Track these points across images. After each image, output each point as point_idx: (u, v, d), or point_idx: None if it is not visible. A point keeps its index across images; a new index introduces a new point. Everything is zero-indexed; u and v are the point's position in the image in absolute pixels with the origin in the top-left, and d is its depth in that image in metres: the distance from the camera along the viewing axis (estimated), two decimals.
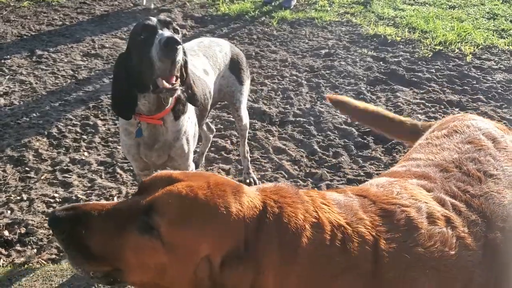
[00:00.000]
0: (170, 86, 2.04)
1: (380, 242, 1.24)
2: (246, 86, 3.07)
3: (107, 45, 5.56)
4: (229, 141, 3.75)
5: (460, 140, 1.68)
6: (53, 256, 2.58)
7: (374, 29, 6.27)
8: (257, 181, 3.29)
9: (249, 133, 3.81)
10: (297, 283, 1.16)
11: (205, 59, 2.74)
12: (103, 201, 1.22)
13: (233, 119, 3.27)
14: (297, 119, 4.09)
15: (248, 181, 3.26)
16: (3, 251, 2.61)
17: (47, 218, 2.84)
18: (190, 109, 2.43)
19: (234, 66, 2.93)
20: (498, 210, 1.43)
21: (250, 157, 3.48)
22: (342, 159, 3.52)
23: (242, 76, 2.98)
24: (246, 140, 3.32)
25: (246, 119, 3.15)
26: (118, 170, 3.31)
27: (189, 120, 2.40)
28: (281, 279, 1.15)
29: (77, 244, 1.14)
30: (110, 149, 3.57)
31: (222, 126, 3.94)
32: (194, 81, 2.45)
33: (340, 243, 1.20)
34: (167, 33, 2.02)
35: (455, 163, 1.56)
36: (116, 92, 2.20)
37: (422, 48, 5.67)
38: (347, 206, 1.32)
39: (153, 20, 2.09)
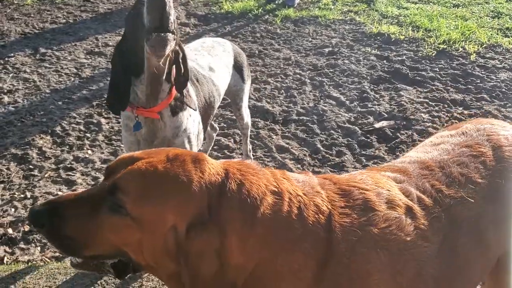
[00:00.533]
0: (162, 34, 1.95)
1: (334, 215, 1.29)
2: (248, 85, 3.09)
3: (111, 43, 5.56)
4: (232, 140, 3.76)
5: (459, 142, 1.66)
6: (57, 254, 2.59)
7: (377, 27, 6.26)
8: None
9: (252, 131, 3.82)
10: (259, 246, 1.21)
11: (210, 57, 2.74)
12: (77, 191, 1.27)
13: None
14: (300, 117, 4.09)
15: None
16: (7, 248, 2.62)
17: None
18: (189, 110, 2.39)
19: (237, 65, 2.95)
20: (466, 214, 1.43)
21: (253, 155, 3.49)
22: (345, 158, 3.52)
23: (244, 75, 3.00)
24: (249, 139, 3.32)
25: (247, 117, 3.16)
26: None
27: (190, 117, 2.36)
28: (243, 242, 1.19)
29: (59, 235, 1.19)
30: (113, 147, 3.57)
31: (225, 125, 3.94)
32: (198, 80, 2.45)
33: (298, 211, 1.25)
34: None
35: (440, 164, 1.55)
36: (112, 81, 2.19)
37: (426, 47, 5.65)
38: (305, 182, 1.38)
39: None
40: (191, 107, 2.32)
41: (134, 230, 1.17)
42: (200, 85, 2.54)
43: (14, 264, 2.50)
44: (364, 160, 3.48)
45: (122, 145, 3.49)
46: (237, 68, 2.94)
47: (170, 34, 1.95)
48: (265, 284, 1.24)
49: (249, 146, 3.35)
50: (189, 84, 2.34)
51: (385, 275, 1.28)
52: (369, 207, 1.33)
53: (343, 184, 1.40)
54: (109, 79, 4.54)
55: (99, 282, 2.36)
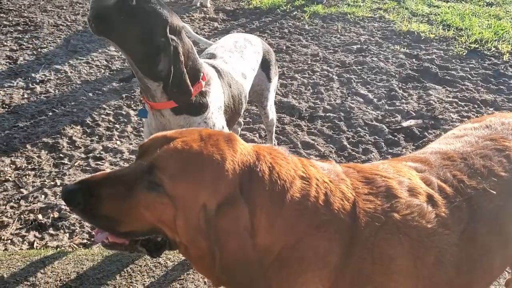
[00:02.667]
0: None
1: (358, 201, 1.32)
2: (274, 83, 3.04)
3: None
4: (257, 135, 3.77)
5: (484, 135, 1.65)
6: (85, 241, 2.65)
7: (407, 25, 6.17)
8: None
9: (277, 127, 3.82)
10: (286, 228, 1.24)
11: (244, 62, 2.69)
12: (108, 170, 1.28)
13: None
14: (327, 114, 4.07)
15: None
16: (37, 234, 2.69)
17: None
18: (214, 110, 2.27)
19: (265, 64, 2.89)
20: (486, 206, 1.43)
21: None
22: (372, 156, 3.49)
23: (271, 73, 2.95)
24: (274, 135, 3.32)
25: (272, 114, 3.13)
26: None
27: (206, 121, 2.22)
28: (271, 223, 1.22)
29: (94, 213, 1.22)
30: (141, 139, 3.62)
31: (250, 120, 3.95)
32: (231, 85, 2.40)
33: (324, 197, 1.28)
34: None
35: (463, 155, 1.54)
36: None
37: (457, 46, 5.55)
38: (331, 170, 1.40)
39: None
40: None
41: (169, 207, 1.19)
42: (231, 90, 2.46)
43: (43, 249, 2.56)
44: (391, 158, 3.45)
45: None
46: (264, 67, 2.88)
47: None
48: (291, 266, 1.26)
49: (274, 142, 3.35)
50: (218, 86, 2.29)
51: (407, 260, 1.29)
52: (392, 194, 1.35)
53: (367, 172, 1.42)
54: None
55: (125, 269, 2.40)
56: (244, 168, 1.24)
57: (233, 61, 2.60)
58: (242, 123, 3.63)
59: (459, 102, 4.29)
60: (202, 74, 2.18)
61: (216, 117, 2.27)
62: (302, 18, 6.46)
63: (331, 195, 1.30)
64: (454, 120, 3.97)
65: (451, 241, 1.35)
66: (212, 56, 2.59)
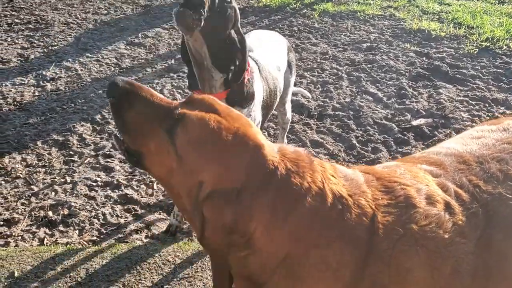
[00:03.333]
0: (182, 9, 1.92)
1: (377, 215, 1.29)
2: (293, 79, 3.05)
3: (150, 35, 5.65)
4: (266, 133, 3.77)
5: (501, 138, 1.61)
6: (94, 238, 2.67)
7: (417, 23, 6.13)
8: None
9: None
10: (287, 240, 1.23)
11: (278, 55, 2.71)
12: (158, 93, 1.34)
13: (275, 112, 3.18)
14: (336, 113, 4.05)
15: None
16: (47, 230, 2.72)
17: (89, 202, 2.94)
18: (256, 102, 2.30)
19: (289, 61, 2.91)
20: (503, 211, 1.40)
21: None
22: (381, 155, 3.48)
23: (293, 68, 2.97)
24: (286, 133, 3.32)
25: (289, 112, 3.15)
26: None
27: (249, 117, 2.27)
28: (270, 233, 1.22)
29: (120, 114, 1.32)
30: None
31: (286, 140, 3.95)
32: (267, 79, 2.42)
33: (339, 212, 1.26)
34: None
35: (479, 159, 1.51)
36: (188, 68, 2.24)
37: (468, 44, 5.51)
38: (353, 180, 1.37)
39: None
40: (244, 103, 2.24)
41: (171, 158, 1.24)
42: (269, 84, 2.49)
43: (53, 246, 2.59)
44: (400, 158, 3.43)
45: None
46: (289, 63, 2.90)
47: (191, 12, 1.89)
48: (300, 278, 1.26)
49: (285, 140, 3.35)
50: (258, 80, 2.32)
51: (423, 272, 1.28)
52: (411, 204, 1.33)
53: (385, 180, 1.39)
54: (147, 70, 4.63)
55: (134, 266, 2.42)
56: (256, 175, 1.23)
57: (268, 55, 2.62)
58: None
59: (470, 101, 4.26)
60: (248, 67, 2.24)
61: (255, 111, 2.33)
62: (311, 16, 6.45)
63: (347, 211, 1.27)
64: (464, 119, 3.94)
65: (467, 250, 1.32)
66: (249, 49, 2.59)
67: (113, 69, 4.76)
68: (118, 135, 1.39)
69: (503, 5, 7.24)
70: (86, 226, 2.75)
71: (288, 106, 3.08)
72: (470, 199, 1.40)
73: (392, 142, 3.64)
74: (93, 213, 2.85)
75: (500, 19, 6.36)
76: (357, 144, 3.62)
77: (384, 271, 1.26)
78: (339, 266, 1.24)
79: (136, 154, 1.34)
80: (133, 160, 1.36)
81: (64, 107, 4.02)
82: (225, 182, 1.21)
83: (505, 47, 5.44)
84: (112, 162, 3.31)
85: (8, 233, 2.67)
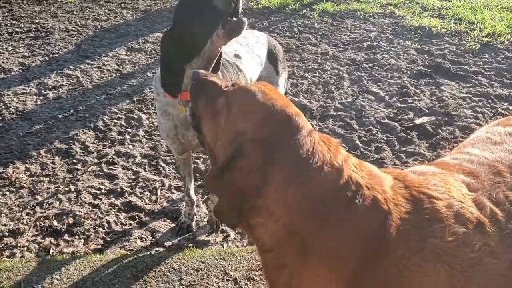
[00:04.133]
0: (242, 18, 2.07)
1: (393, 216, 1.28)
2: (283, 78, 3.08)
3: (150, 40, 5.65)
4: None
5: None
6: (99, 247, 2.66)
7: (418, 20, 6.11)
8: None
9: None
10: (300, 210, 1.28)
11: (237, 45, 2.76)
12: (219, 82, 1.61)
13: None
14: (338, 113, 4.04)
15: None
16: (52, 240, 2.72)
17: (93, 210, 2.94)
18: None
19: (271, 57, 2.96)
20: None
21: None
22: (385, 155, 3.46)
23: (278, 67, 3.00)
24: None
25: None
26: (161, 163, 3.38)
27: None
28: (286, 196, 1.29)
29: (197, 92, 1.60)
30: (153, 142, 3.64)
31: None
32: (224, 65, 2.51)
33: (351, 197, 1.29)
34: None
35: (511, 168, 1.49)
36: (164, 68, 2.20)
37: (469, 40, 5.48)
38: (377, 177, 1.38)
39: None
40: None
41: (223, 113, 1.46)
42: (226, 71, 2.57)
43: (59, 256, 2.59)
44: (404, 157, 3.42)
45: (163, 140, 3.56)
46: (271, 60, 2.95)
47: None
48: (305, 251, 1.29)
49: None
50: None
51: None
52: (437, 218, 1.30)
53: (414, 189, 1.37)
54: (148, 75, 4.63)
55: (139, 275, 2.41)
56: (290, 133, 1.34)
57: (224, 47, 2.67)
58: None
59: (473, 98, 4.24)
60: None
61: None
62: (311, 16, 6.44)
63: (360, 198, 1.29)
64: (468, 116, 3.92)
65: (497, 271, 1.29)
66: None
67: (114, 75, 4.77)
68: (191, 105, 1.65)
69: None
70: (91, 234, 2.75)
71: None
72: (506, 219, 1.36)
73: (396, 141, 3.62)
74: (97, 222, 2.85)
75: (500, 13, 6.33)
76: (360, 144, 3.61)
77: (396, 277, 1.25)
78: (346, 254, 1.26)
79: (198, 118, 1.58)
80: (195, 123, 1.61)
81: (66, 115, 4.03)
82: (265, 131, 1.34)
83: (506, 42, 5.41)
84: (116, 169, 3.31)
85: (13, 243, 2.67)
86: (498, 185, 1.44)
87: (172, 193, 3.10)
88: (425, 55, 5.13)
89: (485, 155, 1.58)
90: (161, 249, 2.63)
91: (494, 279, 1.28)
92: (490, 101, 4.18)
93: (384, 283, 1.26)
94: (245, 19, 2.06)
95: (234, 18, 2.05)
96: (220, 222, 2.74)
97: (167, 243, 2.68)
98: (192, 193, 2.73)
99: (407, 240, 1.26)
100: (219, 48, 2.17)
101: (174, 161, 3.38)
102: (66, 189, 3.13)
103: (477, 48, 5.27)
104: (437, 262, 1.25)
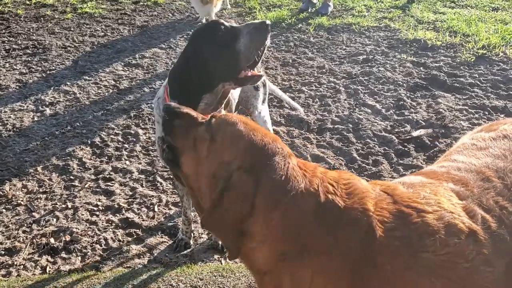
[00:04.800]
0: (258, 72, 2.09)
1: (377, 233, 1.28)
2: (262, 92, 3.05)
3: (147, 55, 5.67)
4: None
5: (508, 147, 1.60)
6: (97, 264, 2.64)
7: (413, 33, 6.16)
8: None
9: (286, 140, 3.81)
10: (284, 228, 1.31)
11: None
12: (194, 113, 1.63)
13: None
14: (336, 126, 4.05)
15: None
16: (49, 258, 2.70)
17: (90, 227, 2.92)
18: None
19: None
20: None
21: None
22: (382, 168, 3.46)
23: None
24: None
25: (264, 124, 3.11)
26: (159, 179, 3.37)
27: None
28: (270, 217, 1.32)
29: (170, 124, 1.59)
30: (150, 158, 3.63)
31: None
32: None
33: (329, 219, 1.32)
34: (255, 21, 2.10)
35: (498, 173, 1.50)
36: (181, 96, 2.14)
37: (464, 52, 5.52)
38: (358, 194, 1.38)
39: (221, 20, 2.13)
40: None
41: (206, 144, 1.45)
42: None
43: (56, 274, 2.56)
44: (402, 170, 3.42)
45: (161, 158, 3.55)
46: None
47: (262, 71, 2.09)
48: (293, 272, 1.32)
49: None
50: None
51: None
52: (427, 232, 1.29)
53: (403, 204, 1.36)
54: (145, 90, 4.63)
55: None
56: (272, 157, 1.38)
57: None
58: None
59: (469, 110, 4.25)
60: None
61: None
62: (307, 30, 6.48)
63: (338, 221, 1.31)
64: (465, 128, 3.93)
65: (494, 277, 1.29)
66: None
67: (111, 91, 4.77)
68: (162, 137, 1.67)
69: (497, 12, 7.28)
70: (88, 252, 2.73)
71: (259, 118, 3.05)
72: (498, 224, 1.36)
73: (393, 154, 3.62)
74: (95, 239, 2.83)
75: (495, 26, 6.39)
76: (358, 157, 3.61)
77: None
78: (335, 276, 1.27)
79: (175, 151, 1.56)
80: (171, 156, 1.57)
81: (63, 131, 4.02)
82: (250, 159, 1.37)
83: (501, 53, 5.45)
84: (113, 186, 3.29)
85: (10, 262, 2.65)
86: (487, 191, 1.44)
87: (170, 209, 3.08)
88: (421, 68, 5.16)
89: (472, 161, 1.58)
90: (158, 265, 2.61)
91: (491, 286, 1.29)
92: (486, 113, 4.19)
93: None
94: (262, 73, 2.08)
95: (259, 73, 2.09)
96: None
97: (165, 260, 2.66)
98: (189, 212, 2.71)
99: (396, 257, 1.25)
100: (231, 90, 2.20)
101: (171, 176, 3.37)
102: (63, 206, 3.11)
103: (472, 60, 5.31)
104: (432, 277, 1.24)
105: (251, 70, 2.07)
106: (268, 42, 2.06)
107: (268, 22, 2.04)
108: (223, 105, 2.26)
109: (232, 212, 1.33)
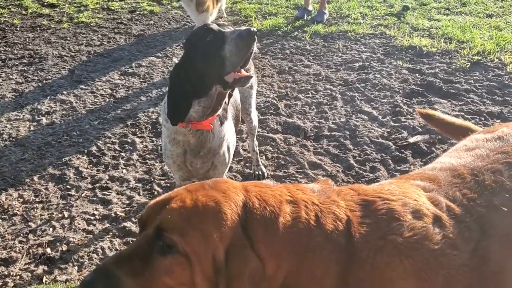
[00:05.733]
0: (246, 73, 2.11)
1: (353, 222, 1.31)
2: (255, 90, 3.24)
3: (144, 64, 5.68)
4: (264, 157, 3.75)
5: (495, 148, 1.62)
6: None
7: (408, 40, 6.19)
8: (265, 173, 3.52)
9: (283, 148, 3.81)
10: (285, 252, 1.25)
11: None
12: (119, 250, 1.28)
13: (247, 126, 3.44)
14: (332, 133, 4.05)
15: (257, 173, 3.53)
16: (45, 268, 2.67)
17: (87, 236, 2.90)
18: (230, 117, 2.50)
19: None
20: (499, 223, 1.41)
21: (285, 172, 3.49)
22: (380, 174, 3.46)
23: (252, 82, 3.09)
24: (255, 137, 3.51)
25: (256, 120, 3.37)
26: (156, 187, 3.36)
27: (229, 128, 2.48)
28: (269, 250, 1.24)
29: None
30: (147, 166, 3.62)
31: (257, 142, 3.93)
32: None
33: (315, 218, 1.30)
34: (242, 27, 2.11)
35: (473, 171, 1.52)
36: (171, 99, 2.20)
37: (460, 58, 5.55)
38: (322, 191, 1.41)
39: (213, 24, 2.16)
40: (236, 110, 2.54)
41: (186, 267, 1.19)
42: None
43: (52, 284, 2.54)
44: (397, 176, 3.41)
45: (157, 164, 3.54)
46: None
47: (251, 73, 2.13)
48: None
49: (255, 142, 3.53)
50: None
51: (410, 283, 1.28)
52: (393, 217, 1.34)
53: (368, 195, 1.41)
54: (142, 99, 4.63)
55: None
56: (238, 206, 1.26)
57: None
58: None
59: (465, 115, 4.27)
60: None
61: (229, 123, 2.51)
62: (303, 38, 6.50)
63: (322, 216, 1.31)
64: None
65: (460, 262, 1.32)
66: None
67: (107, 100, 4.77)
68: None
69: (491, 18, 7.32)
70: (85, 261, 2.71)
71: (253, 116, 3.28)
72: (463, 213, 1.40)
73: (390, 161, 3.63)
74: (91, 248, 2.81)
75: (489, 32, 6.43)
76: (355, 164, 3.61)
77: (366, 280, 1.27)
78: (323, 275, 1.26)
79: None
80: None
81: (60, 140, 4.01)
82: (228, 234, 1.22)
83: (496, 60, 5.48)
84: (110, 195, 3.28)
85: (6, 273, 2.63)
86: (455, 185, 1.48)
87: None
88: (417, 74, 5.18)
89: (452, 161, 1.61)
90: None
91: (458, 270, 1.32)
92: (482, 119, 4.20)
93: (360, 286, 1.28)
94: (252, 73, 2.13)
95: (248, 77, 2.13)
96: None
97: None
98: None
99: (368, 241, 1.29)
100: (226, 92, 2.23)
101: (169, 185, 3.36)
102: (60, 215, 3.09)
103: (467, 66, 5.33)
104: (401, 256, 1.28)
105: (239, 72, 2.11)
106: (254, 48, 2.08)
107: (253, 29, 2.06)
108: (222, 107, 2.29)
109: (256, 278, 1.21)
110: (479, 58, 5.53)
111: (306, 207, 1.31)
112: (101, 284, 1.18)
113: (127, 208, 3.15)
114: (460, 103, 4.50)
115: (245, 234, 1.23)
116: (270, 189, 1.35)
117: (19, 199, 3.26)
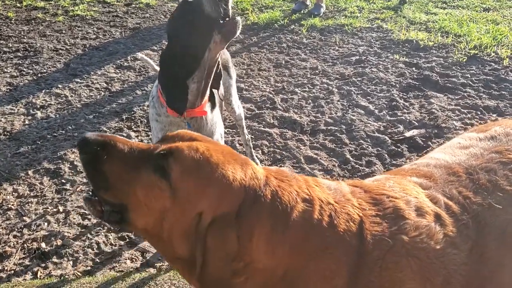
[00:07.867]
0: (237, 17, 2.08)
1: (365, 223, 1.31)
2: (234, 79, 3.20)
3: (139, 57, 5.64)
4: (260, 151, 3.74)
5: (489, 147, 1.63)
6: (89, 268, 2.62)
7: (405, 34, 6.17)
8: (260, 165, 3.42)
9: (280, 142, 3.80)
10: (288, 252, 1.23)
11: None
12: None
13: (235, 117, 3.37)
14: (329, 127, 4.04)
15: None
16: (40, 263, 2.67)
17: (82, 231, 2.89)
18: (217, 103, 2.48)
19: (224, 65, 2.98)
20: (494, 221, 1.42)
21: (281, 167, 3.48)
22: (376, 168, 3.46)
23: (230, 71, 3.09)
24: (245, 129, 3.47)
25: (239, 109, 3.31)
26: None
27: (218, 115, 2.47)
28: (272, 247, 1.22)
29: (97, 168, 1.23)
30: None
31: (253, 136, 3.93)
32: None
33: (329, 218, 1.28)
34: None
35: (467, 170, 1.53)
36: (167, 86, 2.16)
37: (456, 52, 5.54)
38: (337, 189, 1.40)
39: None
40: (220, 99, 2.50)
41: (165, 197, 1.20)
42: None
43: (47, 279, 2.53)
44: (390, 171, 3.41)
45: None
46: (224, 67, 2.97)
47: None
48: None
49: (247, 136, 3.51)
50: None
51: (416, 283, 1.28)
52: (400, 216, 1.35)
53: (373, 192, 1.41)
54: (137, 92, 4.60)
55: None
56: (250, 191, 1.25)
57: None
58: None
59: (462, 110, 4.26)
60: None
61: (218, 111, 2.49)
62: (300, 32, 6.48)
63: (336, 216, 1.30)
64: (457, 128, 3.94)
65: (459, 261, 1.33)
66: None
67: (103, 93, 4.74)
68: (90, 196, 1.28)
69: (488, 12, 7.31)
70: (80, 256, 2.71)
71: (236, 105, 3.25)
72: (461, 211, 1.41)
73: (386, 155, 3.62)
74: (86, 243, 2.80)
75: (486, 26, 6.42)
76: (351, 159, 3.60)
77: (376, 281, 1.27)
78: (334, 275, 1.25)
79: (119, 209, 1.25)
80: (118, 218, 1.27)
81: (55, 134, 3.99)
82: (224, 205, 1.21)
83: (493, 53, 5.47)
84: None
85: (0, 267, 2.61)
86: (451, 183, 1.49)
87: None
88: (413, 68, 5.17)
89: (446, 158, 1.62)
90: (151, 269, 2.59)
91: (457, 269, 1.33)
92: (479, 113, 4.20)
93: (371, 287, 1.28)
94: (238, 18, 2.07)
95: (236, 17, 2.08)
96: None
97: (158, 264, 2.64)
98: None
99: (379, 242, 1.29)
100: (217, 56, 2.17)
101: None
102: (55, 210, 3.08)
103: (464, 60, 5.32)
104: (408, 257, 1.29)
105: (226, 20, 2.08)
106: None
107: None
108: (211, 78, 2.23)
109: (222, 266, 1.19)
110: (476, 52, 5.52)
111: (321, 206, 1.30)
112: (93, 149, 1.22)
113: None
114: (456, 97, 4.50)
115: (243, 222, 1.21)
116: (289, 184, 1.32)
117: (13, 193, 3.24)
